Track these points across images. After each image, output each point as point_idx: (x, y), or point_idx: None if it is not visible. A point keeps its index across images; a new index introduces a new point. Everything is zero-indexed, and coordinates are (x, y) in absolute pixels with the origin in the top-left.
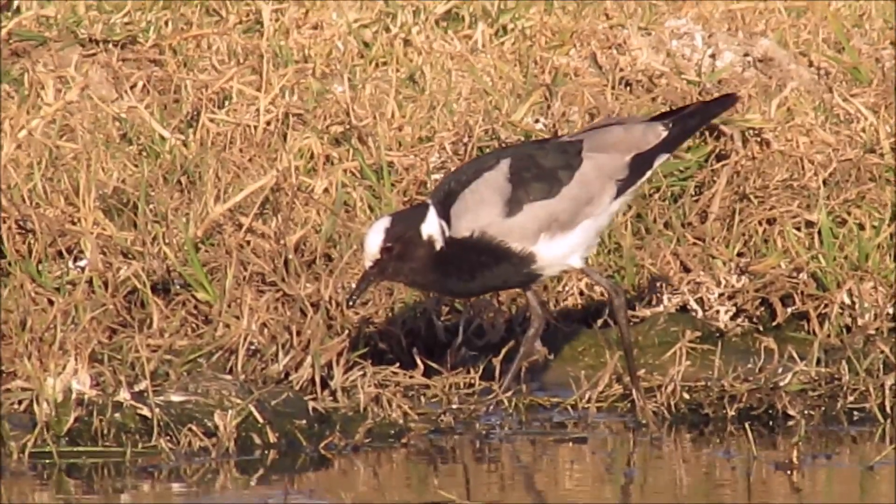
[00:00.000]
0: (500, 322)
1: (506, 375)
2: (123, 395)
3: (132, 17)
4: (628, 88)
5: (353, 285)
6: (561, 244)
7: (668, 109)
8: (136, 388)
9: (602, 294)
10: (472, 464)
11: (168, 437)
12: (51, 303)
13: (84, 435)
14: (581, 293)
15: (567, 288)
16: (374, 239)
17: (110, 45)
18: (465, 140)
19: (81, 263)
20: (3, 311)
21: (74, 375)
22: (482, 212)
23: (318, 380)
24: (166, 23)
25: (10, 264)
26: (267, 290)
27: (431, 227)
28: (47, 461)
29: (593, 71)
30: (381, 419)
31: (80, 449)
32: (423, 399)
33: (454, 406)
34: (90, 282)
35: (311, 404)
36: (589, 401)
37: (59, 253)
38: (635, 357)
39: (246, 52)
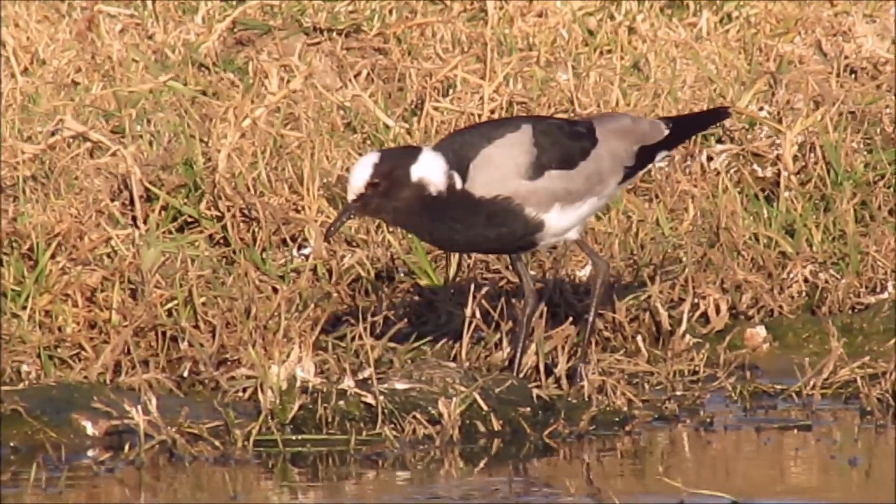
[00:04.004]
0: (724, 309)
1: (514, 360)
2: (348, 383)
3: (357, 6)
4: (853, 76)
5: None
6: (569, 216)
7: None
8: (360, 376)
9: (827, 282)
10: (696, 451)
11: (392, 425)
12: (275, 291)
13: (308, 423)
14: (805, 280)
15: (791, 275)
16: (361, 173)
17: (334, 34)
18: None
19: (305, 251)
20: (228, 298)
21: (299, 363)
22: (506, 170)
23: (542, 367)
24: (391, 11)
25: (234, 252)
26: (491, 277)
27: (425, 170)
28: (272, 449)
29: (818, 58)
30: (605, 407)
31: (305, 437)
32: (646, 386)
33: (678, 393)
34: (314, 270)
35: (535, 392)
36: (813, 388)
37: (284, 241)
38: (859, 344)
39: (470, 40)
